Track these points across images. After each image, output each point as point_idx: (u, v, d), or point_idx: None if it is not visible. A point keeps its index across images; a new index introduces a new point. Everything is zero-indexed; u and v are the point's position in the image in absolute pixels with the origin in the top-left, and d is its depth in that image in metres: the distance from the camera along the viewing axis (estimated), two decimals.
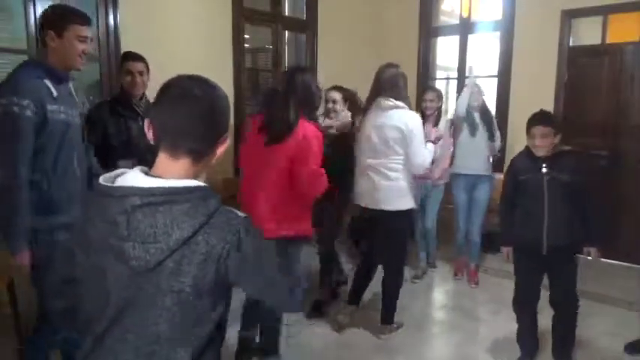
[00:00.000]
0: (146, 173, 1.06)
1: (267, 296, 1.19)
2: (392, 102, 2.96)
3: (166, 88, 1.09)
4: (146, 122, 1.11)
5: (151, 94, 3.83)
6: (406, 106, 3.00)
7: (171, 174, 1.04)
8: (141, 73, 2.92)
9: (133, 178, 1.04)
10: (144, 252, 0.98)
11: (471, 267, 4.20)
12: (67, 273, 1.13)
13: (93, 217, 1.04)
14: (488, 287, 4.03)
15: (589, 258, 2.71)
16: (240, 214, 1.09)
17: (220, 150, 1.11)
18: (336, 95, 3.49)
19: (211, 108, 1.08)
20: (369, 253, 3.36)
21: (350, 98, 3.55)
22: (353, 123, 3.47)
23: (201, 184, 1.05)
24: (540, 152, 2.57)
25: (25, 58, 3.30)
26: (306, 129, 2.43)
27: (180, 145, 1.05)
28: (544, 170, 2.58)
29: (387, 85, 2.99)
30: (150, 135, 1.09)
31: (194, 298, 1.01)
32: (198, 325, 1.04)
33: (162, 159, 1.06)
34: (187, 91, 1.07)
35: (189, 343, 1.03)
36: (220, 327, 1.11)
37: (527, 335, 2.78)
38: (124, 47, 3.65)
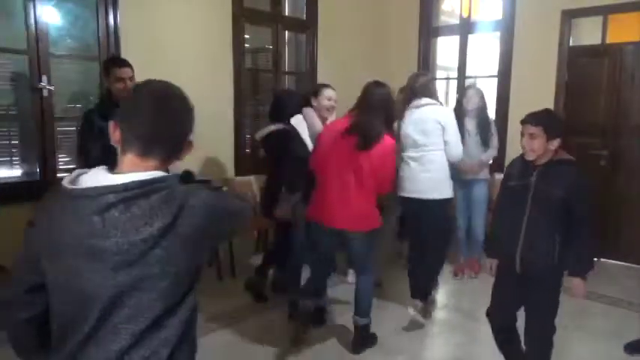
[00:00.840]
0: (109, 172, 1.09)
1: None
2: (426, 100, 3.29)
3: (139, 94, 1.12)
4: (112, 124, 1.11)
5: None
6: (438, 103, 3.37)
7: (136, 169, 1.07)
8: (131, 79, 2.90)
9: (101, 177, 1.06)
10: (127, 246, 1.01)
11: (474, 257, 4.19)
12: (32, 281, 1.11)
13: (61, 221, 1.04)
14: (488, 287, 4.02)
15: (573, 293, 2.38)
16: (201, 187, 1.16)
17: (186, 152, 1.16)
18: (333, 93, 3.46)
19: (184, 116, 1.14)
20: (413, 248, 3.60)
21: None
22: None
23: (167, 173, 1.09)
24: (529, 156, 2.26)
25: (25, 58, 3.33)
26: (386, 138, 2.77)
27: (154, 150, 1.09)
28: (533, 179, 2.26)
29: (420, 90, 3.33)
30: (116, 136, 1.11)
31: (186, 273, 1.09)
32: (188, 295, 1.11)
33: (131, 159, 1.09)
34: (162, 99, 1.11)
35: (180, 312, 1.10)
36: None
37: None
38: (124, 47, 3.65)
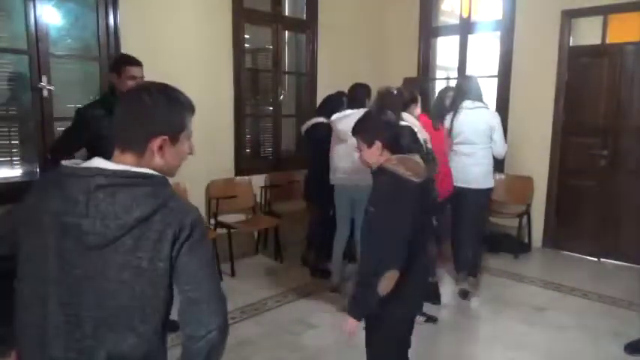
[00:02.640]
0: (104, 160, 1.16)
1: (195, 291, 1.16)
2: (479, 103, 3.78)
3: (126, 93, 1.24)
4: None
5: None
6: (487, 105, 3.87)
7: (123, 165, 1.14)
8: (142, 78, 2.94)
9: (98, 162, 1.13)
10: (103, 228, 1.07)
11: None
12: None
13: (46, 197, 1.11)
14: (489, 287, 4.03)
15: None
16: (192, 205, 1.20)
17: (156, 148, 1.16)
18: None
19: (137, 111, 1.17)
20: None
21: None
22: None
23: (158, 173, 1.15)
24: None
25: (25, 57, 3.32)
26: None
27: (122, 142, 1.17)
28: None
29: (472, 91, 3.79)
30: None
31: (150, 273, 1.10)
32: (155, 300, 1.12)
33: (115, 152, 1.17)
34: (133, 97, 1.19)
35: (149, 317, 1.12)
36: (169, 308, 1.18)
37: None
38: (124, 47, 3.65)
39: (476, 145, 3.74)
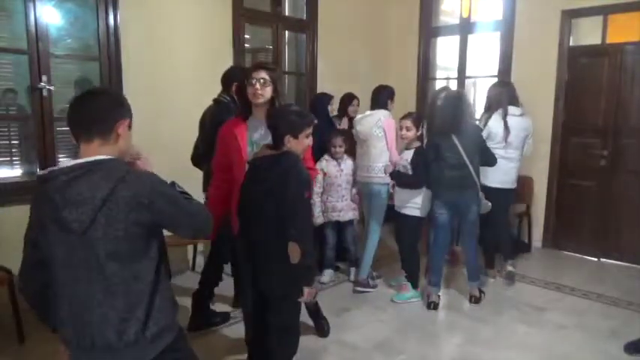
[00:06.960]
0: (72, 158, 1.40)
1: (178, 229, 1.48)
2: (520, 109, 4.02)
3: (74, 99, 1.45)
4: None
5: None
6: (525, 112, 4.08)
7: (90, 155, 1.36)
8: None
9: (62, 162, 1.37)
10: (79, 214, 1.30)
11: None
12: (35, 258, 1.42)
13: (39, 202, 1.37)
14: (490, 287, 4.03)
15: None
16: (148, 172, 1.45)
17: (121, 130, 1.41)
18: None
19: (101, 103, 1.42)
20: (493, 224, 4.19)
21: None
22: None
23: (111, 157, 1.37)
24: None
25: (25, 57, 3.33)
26: None
27: (86, 131, 1.38)
28: None
29: (513, 97, 4.04)
30: (72, 138, 1.42)
31: (130, 239, 1.34)
32: (144, 259, 1.38)
33: (82, 147, 1.39)
34: (85, 94, 1.45)
35: (143, 277, 1.37)
36: (161, 263, 1.44)
37: None
38: (124, 47, 3.65)
39: (516, 151, 4.02)
